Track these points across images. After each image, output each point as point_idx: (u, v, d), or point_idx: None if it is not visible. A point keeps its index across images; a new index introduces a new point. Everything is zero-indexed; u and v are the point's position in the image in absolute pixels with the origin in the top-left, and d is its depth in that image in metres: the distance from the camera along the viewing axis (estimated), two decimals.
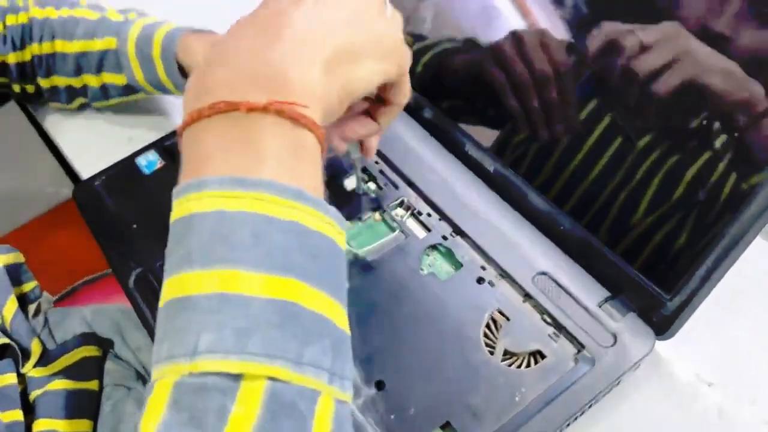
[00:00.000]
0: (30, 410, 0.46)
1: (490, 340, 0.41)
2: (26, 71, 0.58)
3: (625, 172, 0.41)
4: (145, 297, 0.46)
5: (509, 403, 0.38)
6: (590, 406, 0.39)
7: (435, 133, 0.52)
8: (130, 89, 0.57)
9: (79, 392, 0.48)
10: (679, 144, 0.39)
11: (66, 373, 0.48)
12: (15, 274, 0.53)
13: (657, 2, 0.38)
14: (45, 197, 1.25)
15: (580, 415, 0.39)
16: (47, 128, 0.63)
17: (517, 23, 0.46)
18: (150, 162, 0.52)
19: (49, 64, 0.57)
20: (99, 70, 0.56)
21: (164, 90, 0.56)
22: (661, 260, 0.40)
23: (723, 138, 0.37)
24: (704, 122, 0.37)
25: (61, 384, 0.47)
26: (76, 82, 0.58)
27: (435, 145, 0.51)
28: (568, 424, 0.39)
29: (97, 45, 0.55)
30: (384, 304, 0.43)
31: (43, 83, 0.58)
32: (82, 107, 0.62)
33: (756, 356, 0.43)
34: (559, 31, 0.43)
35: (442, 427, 0.38)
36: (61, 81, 0.58)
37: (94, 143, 0.60)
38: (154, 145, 0.54)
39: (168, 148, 0.53)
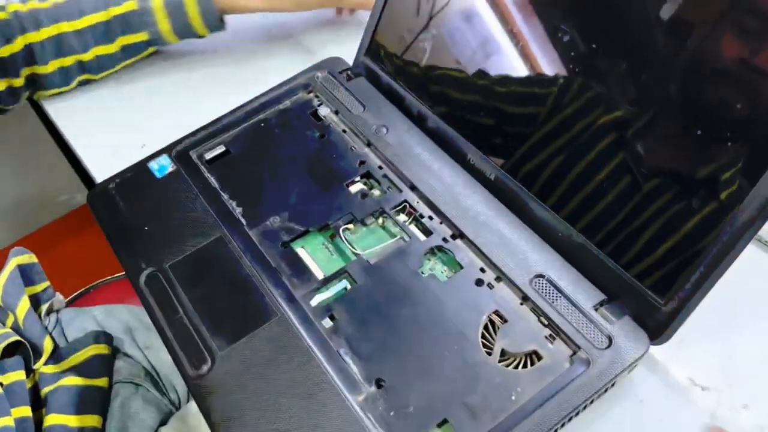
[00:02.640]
0: (41, 405, 0.47)
1: (488, 341, 0.42)
2: (14, 64, 0.59)
3: (625, 190, 0.42)
4: (155, 296, 0.47)
5: (506, 402, 0.39)
6: (585, 407, 0.40)
7: (438, 141, 0.53)
8: (144, 46, 0.62)
9: (89, 389, 0.49)
10: (678, 160, 0.40)
11: (77, 370, 0.50)
12: (28, 275, 0.55)
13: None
14: (60, 203, 1.28)
15: (575, 415, 0.40)
16: (65, 135, 0.65)
17: (515, 59, 0.47)
18: (162, 166, 0.54)
19: (53, 47, 0.59)
20: (118, 35, 0.60)
21: (190, 35, 0.63)
22: (656, 267, 0.41)
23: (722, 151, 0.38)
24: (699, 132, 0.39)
25: (72, 380, 0.49)
26: (86, 56, 0.61)
27: (438, 152, 0.52)
28: (563, 424, 0.39)
29: (115, 12, 0.59)
30: (385, 305, 0.44)
31: (44, 69, 0.60)
32: (82, 85, 0.65)
33: (750, 362, 0.44)
34: (556, 67, 0.45)
35: (439, 425, 0.39)
36: (69, 60, 0.60)
37: (109, 149, 0.62)
38: (166, 150, 0.55)
39: (179, 153, 0.55)
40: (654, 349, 0.42)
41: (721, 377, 0.43)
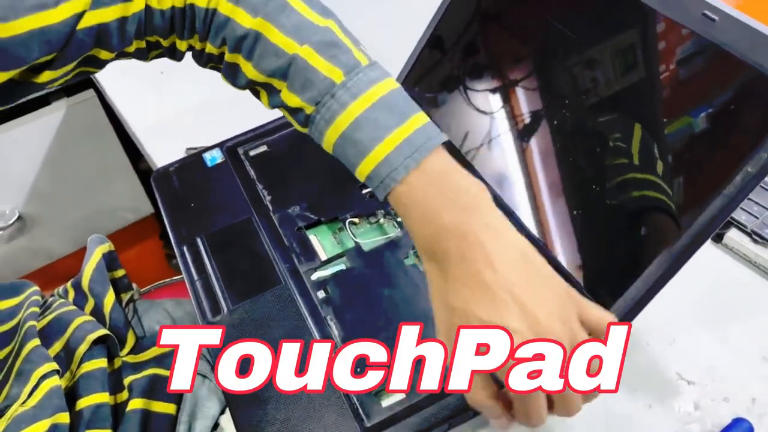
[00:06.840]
0: (121, 390, 0.55)
1: None
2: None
3: (587, 212, 0.49)
4: (193, 260, 0.57)
5: None
6: None
7: None
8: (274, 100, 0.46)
9: (167, 379, 0.56)
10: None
11: (156, 361, 0.57)
12: (108, 261, 0.62)
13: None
14: (124, 215, 1.36)
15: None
16: (138, 138, 0.77)
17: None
18: (213, 157, 0.65)
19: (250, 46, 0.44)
20: (286, 77, 0.43)
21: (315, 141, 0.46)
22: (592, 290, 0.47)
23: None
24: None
25: (152, 371, 0.56)
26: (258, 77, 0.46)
27: None
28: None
29: (319, 64, 0.42)
30: (370, 285, 0.52)
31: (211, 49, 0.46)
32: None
33: (731, 361, 0.49)
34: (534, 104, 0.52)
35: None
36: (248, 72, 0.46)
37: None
38: (219, 145, 0.66)
39: (229, 148, 0.66)
40: (647, 347, 0.50)
41: (705, 373, 0.49)
